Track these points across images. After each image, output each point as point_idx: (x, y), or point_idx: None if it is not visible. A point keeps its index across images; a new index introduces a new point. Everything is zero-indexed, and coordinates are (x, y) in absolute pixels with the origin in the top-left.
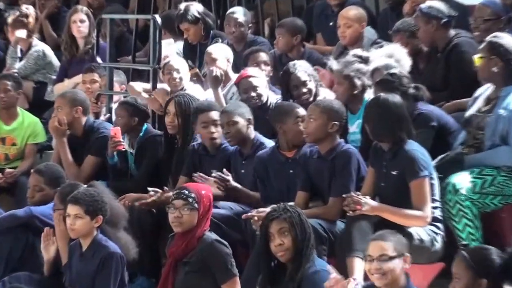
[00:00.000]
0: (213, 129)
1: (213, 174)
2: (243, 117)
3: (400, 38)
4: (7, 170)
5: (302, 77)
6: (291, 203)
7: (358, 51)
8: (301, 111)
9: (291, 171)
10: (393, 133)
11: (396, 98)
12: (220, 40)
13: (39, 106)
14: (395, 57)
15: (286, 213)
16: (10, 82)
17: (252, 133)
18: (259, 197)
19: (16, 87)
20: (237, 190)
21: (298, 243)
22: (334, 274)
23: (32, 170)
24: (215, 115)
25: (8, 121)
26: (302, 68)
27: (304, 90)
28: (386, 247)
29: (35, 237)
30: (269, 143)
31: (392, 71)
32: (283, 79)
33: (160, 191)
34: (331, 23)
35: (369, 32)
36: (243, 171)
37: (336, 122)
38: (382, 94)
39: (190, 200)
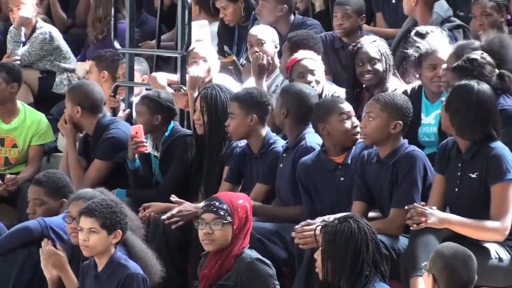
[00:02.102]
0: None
1: None
2: None
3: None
4: (8, 176)
5: (371, 53)
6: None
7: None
8: (346, 106)
9: (342, 178)
10: (482, 129)
11: (485, 87)
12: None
13: (46, 99)
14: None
15: (332, 227)
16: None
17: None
18: (294, 213)
19: (9, 79)
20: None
21: (329, 263)
22: None
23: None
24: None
25: (6, 119)
26: (376, 45)
27: (369, 68)
28: None
29: None
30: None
31: (473, 56)
32: (351, 56)
33: (184, 201)
34: (393, 1)
35: (441, 8)
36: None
37: (399, 122)
38: (470, 82)
39: (222, 213)
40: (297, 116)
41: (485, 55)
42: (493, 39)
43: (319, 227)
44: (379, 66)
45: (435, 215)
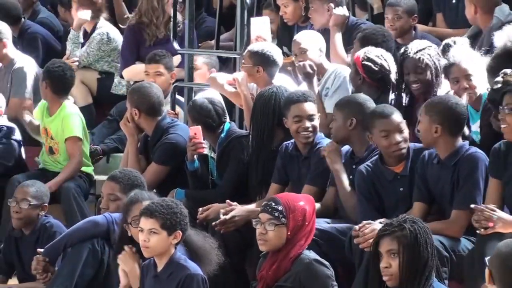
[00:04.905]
0: (307, 123)
1: None
2: None
3: None
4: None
5: (416, 63)
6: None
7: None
8: (387, 123)
9: (401, 189)
10: None
11: None
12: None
13: (105, 100)
14: None
15: (402, 230)
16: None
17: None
18: None
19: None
20: None
21: (408, 268)
22: None
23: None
24: (310, 107)
25: (51, 112)
26: (421, 54)
27: (415, 78)
28: None
29: (112, 253)
30: None
31: (495, 86)
32: (399, 62)
33: (236, 206)
34: (453, 1)
35: (501, 12)
36: (351, 177)
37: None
38: None
39: (276, 214)
40: (363, 124)
41: (504, 72)
42: None
43: (376, 231)
44: (425, 76)
45: (502, 219)
